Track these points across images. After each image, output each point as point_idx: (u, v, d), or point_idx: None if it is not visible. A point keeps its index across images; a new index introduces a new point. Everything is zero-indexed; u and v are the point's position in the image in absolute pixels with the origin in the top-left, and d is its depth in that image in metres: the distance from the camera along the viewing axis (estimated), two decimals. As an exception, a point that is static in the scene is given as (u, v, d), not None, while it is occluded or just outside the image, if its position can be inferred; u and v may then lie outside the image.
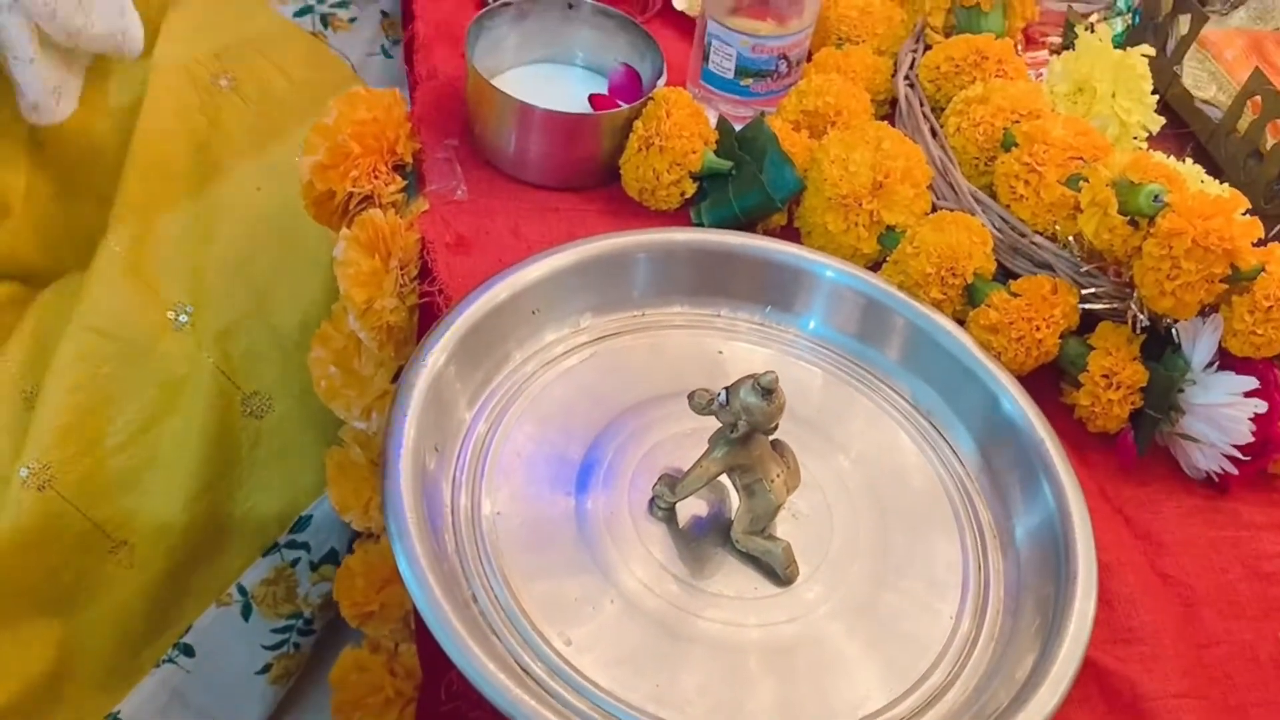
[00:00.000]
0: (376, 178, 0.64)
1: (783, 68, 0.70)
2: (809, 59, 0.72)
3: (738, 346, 0.59)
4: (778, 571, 0.49)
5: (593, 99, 0.68)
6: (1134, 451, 0.59)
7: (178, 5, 0.76)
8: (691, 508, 0.51)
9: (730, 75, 0.69)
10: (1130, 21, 0.80)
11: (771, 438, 0.49)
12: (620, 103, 0.66)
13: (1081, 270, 0.60)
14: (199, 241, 0.69)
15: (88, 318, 0.66)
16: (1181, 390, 0.58)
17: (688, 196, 0.65)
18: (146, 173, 0.69)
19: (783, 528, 0.50)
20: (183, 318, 0.68)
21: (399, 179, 0.64)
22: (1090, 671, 0.50)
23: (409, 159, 0.65)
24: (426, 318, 0.60)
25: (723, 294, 0.60)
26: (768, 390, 0.46)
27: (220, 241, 0.70)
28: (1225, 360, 0.58)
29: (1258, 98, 0.68)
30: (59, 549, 0.66)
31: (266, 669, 0.73)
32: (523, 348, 0.56)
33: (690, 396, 0.48)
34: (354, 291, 0.59)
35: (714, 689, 0.46)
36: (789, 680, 0.47)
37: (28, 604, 0.63)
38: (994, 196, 0.63)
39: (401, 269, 0.60)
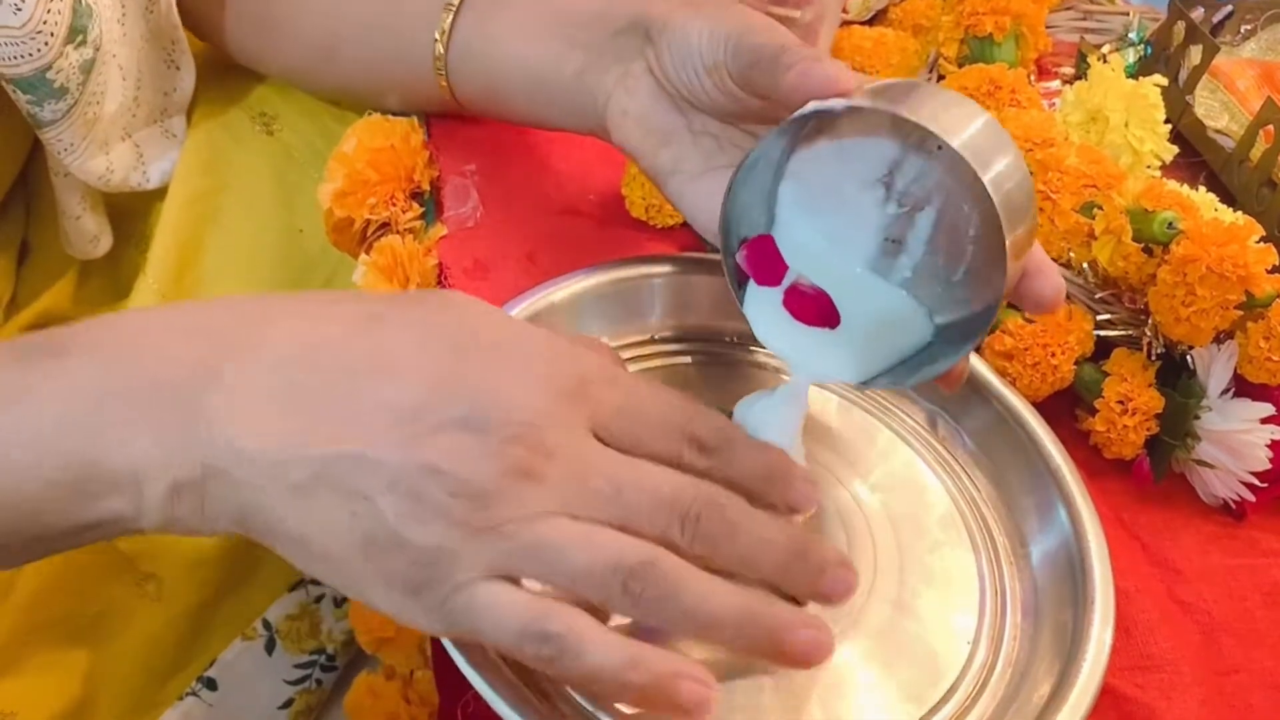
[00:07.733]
0: (394, 204, 0.64)
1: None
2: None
3: (752, 371, 0.59)
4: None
5: None
6: (1150, 478, 0.59)
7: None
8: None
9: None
10: (1142, 52, 0.81)
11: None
12: None
13: (1096, 297, 0.60)
14: (238, 281, 0.70)
15: None
16: (1198, 417, 0.58)
17: None
18: (185, 212, 0.70)
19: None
20: None
21: (416, 206, 0.65)
22: (1108, 699, 0.49)
23: (426, 186, 0.66)
24: (444, 342, 0.60)
25: (738, 318, 0.60)
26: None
27: (261, 281, 0.70)
28: (1241, 387, 0.58)
29: (1270, 127, 0.69)
30: (87, 580, 0.66)
31: (289, 703, 0.73)
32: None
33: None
34: (372, 316, 0.59)
35: (726, 713, 0.45)
36: (802, 705, 0.46)
37: (56, 635, 0.63)
38: (1008, 224, 0.63)
39: (419, 294, 0.60)
